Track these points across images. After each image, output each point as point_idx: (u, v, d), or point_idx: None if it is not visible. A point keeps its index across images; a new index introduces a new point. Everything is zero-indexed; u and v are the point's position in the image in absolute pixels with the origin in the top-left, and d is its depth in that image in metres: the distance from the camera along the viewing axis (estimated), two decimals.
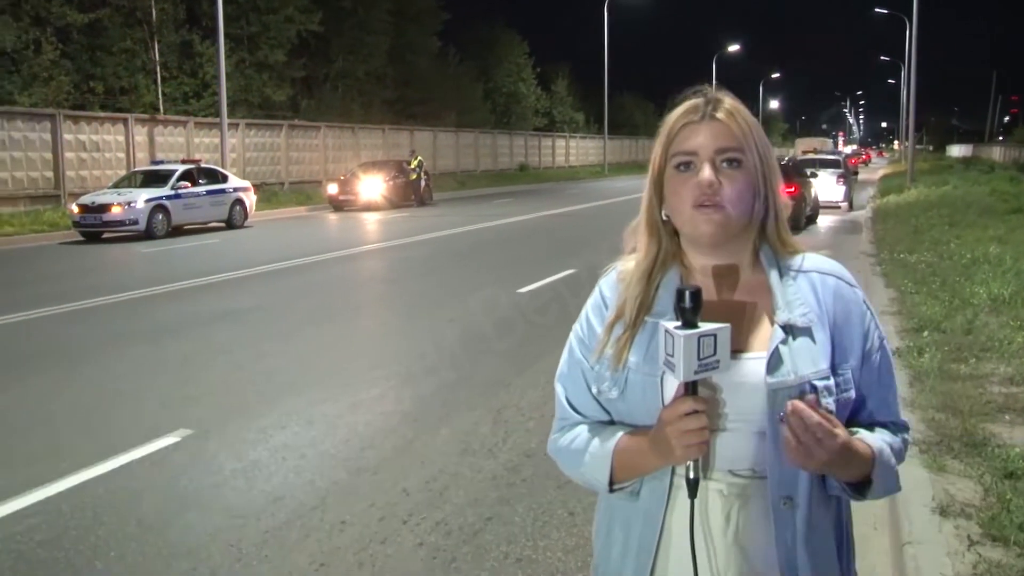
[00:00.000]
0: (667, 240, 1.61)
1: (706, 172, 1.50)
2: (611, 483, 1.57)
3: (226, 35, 27.65)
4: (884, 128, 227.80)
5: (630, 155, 74.62)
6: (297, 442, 5.65)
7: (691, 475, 1.46)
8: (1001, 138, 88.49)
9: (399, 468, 5.19)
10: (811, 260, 1.60)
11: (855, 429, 1.55)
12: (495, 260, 15.21)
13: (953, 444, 4.88)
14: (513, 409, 6.32)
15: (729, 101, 1.56)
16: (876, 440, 1.54)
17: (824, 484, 1.54)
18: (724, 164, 1.51)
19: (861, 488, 1.54)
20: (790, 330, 1.51)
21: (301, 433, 5.84)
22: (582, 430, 1.64)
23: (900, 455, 1.60)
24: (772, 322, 1.53)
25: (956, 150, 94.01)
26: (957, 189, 28.40)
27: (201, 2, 32.56)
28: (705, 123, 1.53)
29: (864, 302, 1.60)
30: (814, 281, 1.57)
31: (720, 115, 1.53)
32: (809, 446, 1.39)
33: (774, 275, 1.57)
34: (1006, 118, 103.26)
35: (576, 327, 1.70)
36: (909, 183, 33.24)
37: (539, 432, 5.78)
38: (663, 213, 1.59)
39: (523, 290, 11.39)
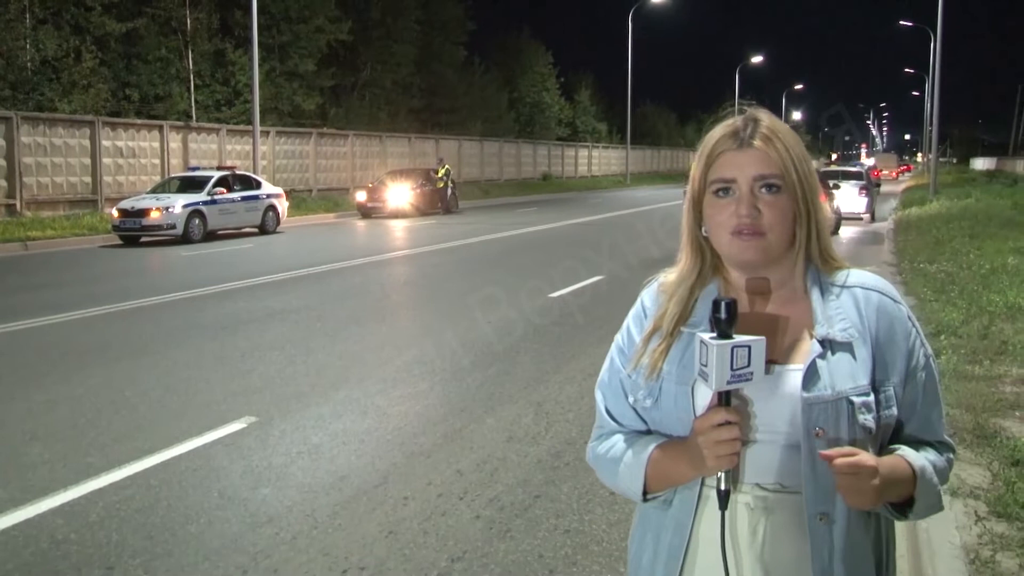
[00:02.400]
0: (709, 255, 1.63)
1: (744, 203, 1.51)
2: (645, 492, 1.60)
3: (258, 44, 28.28)
4: (908, 140, 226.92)
5: (652, 165, 75.08)
6: (354, 429, 6.12)
7: (722, 486, 1.48)
8: None
9: (451, 452, 5.64)
10: (855, 276, 1.60)
11: (897, 447, 1.56)
12: (525, 266, 15.66)
13: (965, 436, 5.29)
14: (552, 402, 6.76)
15: (767, 122, 1.56)
16: (919, 459, 1.54)
17: None
18: (763, 190, 1.52)
19: (903, 508, 1.55)
20: (829, 345, 1.51)
21: (357, 421, 6.30)
22: (619, 439, 1.66)
23: (944, 474, 1.59)
24: (812, 336, 1.53)
25: (980, 163, 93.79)
26: (979, 202, 28.61)
27: (234, 12, 33.39)
28: (744, 151, 1.54)
29: (909, 319, 1.59)
30: (857, 297, 1.56)
31: (757, 142, 1.53)
32: (854, 488, 1.43)
33: (816, 291, 1.57)
34: None
35: (617, 337, 1.73)
36: (931, 195, 33.49)
37: (578, 423, 6.22)
38: (703, 230, 1.60)
39: (554, 295, 11.82)
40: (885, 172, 76.12)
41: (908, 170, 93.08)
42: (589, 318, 10.13)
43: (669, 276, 1.67)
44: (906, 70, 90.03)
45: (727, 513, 1.50)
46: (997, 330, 8.29)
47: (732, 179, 1.53)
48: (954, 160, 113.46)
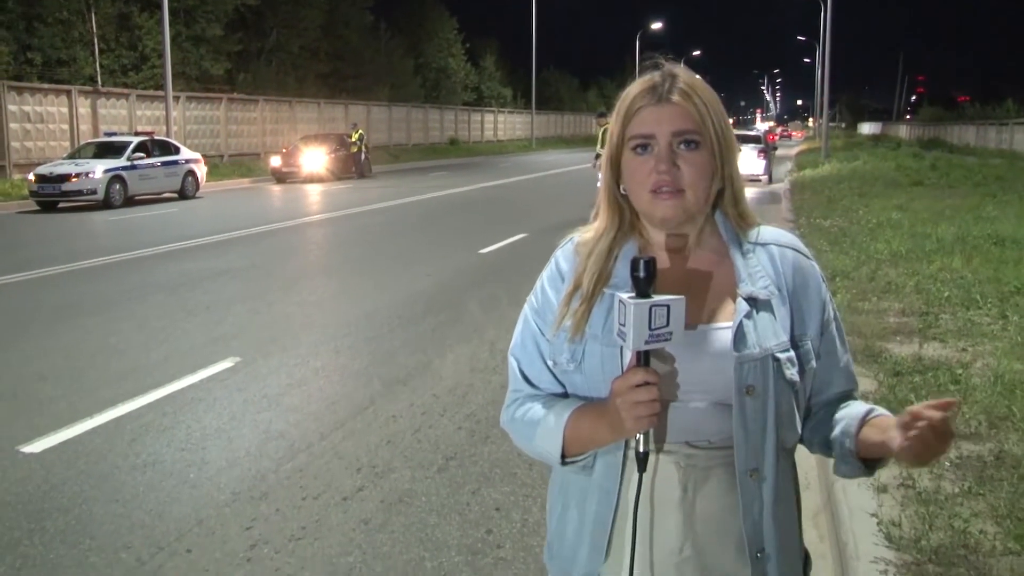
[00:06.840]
0: (627, 213, 1.60)
1: (663, 160, 1.49)
2: (563, 456, 1.56)
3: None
4: (800, 105, 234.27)
5: (556, 130, 76.23)
6: (332, 365, 6.88)
7: (641, 448, 1.45)
8: (908, 116, 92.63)
9: (424, 381, 6.45)
10: (767, 232, 1.61)
11: (872, 408, 1.57)
12: (450, 227, 16.44)
13: (858, 356, 6.35)
14: (504, 341, 7.53)
15: (685, 78, 1.53)
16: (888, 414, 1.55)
17: (786, 457, 1.57)
18: (681, 147, 1.50)
19: (875, 464, 1.56)
20: (753, 302, 1.52)
21: (333, 359, 7.06)
22: (535, 403, 1.62)
23: None
24: (735, 295, 1.53)
25: (867, 127, 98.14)
26: (866, 164, 30.55)
27: None
28: (662, 106, 1.51)
29: (819, 274, 1.62)
30: (773, 253, 1.58)
31: (676, 97, 1.50)
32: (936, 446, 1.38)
33: (734, 248, 1.57)
34: (913, 97, 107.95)
35: (531, 298, 1.68)
36: (823, 158, 35.40)
37: None
38: (621, 188, 1.57)
39: (484, 251, 12.68)
40: (795, 135, 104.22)
41: (790, 136, 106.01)
42: (522, 270, 10.96)
43: (585, 235, 1.64)
44: (799, 38, 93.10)
45: (653, 474, 1.50)
46: (883, 274, 9.48)
47: (651, 135, 1.50)
48: (843, 125, 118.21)
